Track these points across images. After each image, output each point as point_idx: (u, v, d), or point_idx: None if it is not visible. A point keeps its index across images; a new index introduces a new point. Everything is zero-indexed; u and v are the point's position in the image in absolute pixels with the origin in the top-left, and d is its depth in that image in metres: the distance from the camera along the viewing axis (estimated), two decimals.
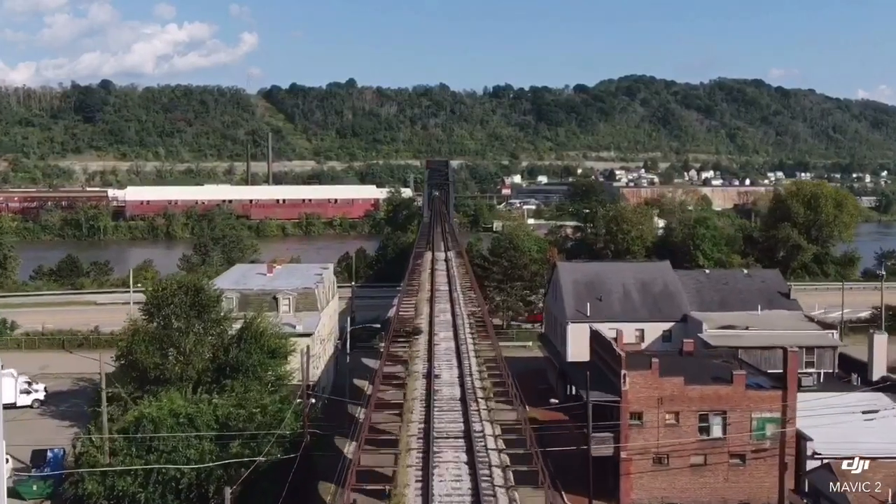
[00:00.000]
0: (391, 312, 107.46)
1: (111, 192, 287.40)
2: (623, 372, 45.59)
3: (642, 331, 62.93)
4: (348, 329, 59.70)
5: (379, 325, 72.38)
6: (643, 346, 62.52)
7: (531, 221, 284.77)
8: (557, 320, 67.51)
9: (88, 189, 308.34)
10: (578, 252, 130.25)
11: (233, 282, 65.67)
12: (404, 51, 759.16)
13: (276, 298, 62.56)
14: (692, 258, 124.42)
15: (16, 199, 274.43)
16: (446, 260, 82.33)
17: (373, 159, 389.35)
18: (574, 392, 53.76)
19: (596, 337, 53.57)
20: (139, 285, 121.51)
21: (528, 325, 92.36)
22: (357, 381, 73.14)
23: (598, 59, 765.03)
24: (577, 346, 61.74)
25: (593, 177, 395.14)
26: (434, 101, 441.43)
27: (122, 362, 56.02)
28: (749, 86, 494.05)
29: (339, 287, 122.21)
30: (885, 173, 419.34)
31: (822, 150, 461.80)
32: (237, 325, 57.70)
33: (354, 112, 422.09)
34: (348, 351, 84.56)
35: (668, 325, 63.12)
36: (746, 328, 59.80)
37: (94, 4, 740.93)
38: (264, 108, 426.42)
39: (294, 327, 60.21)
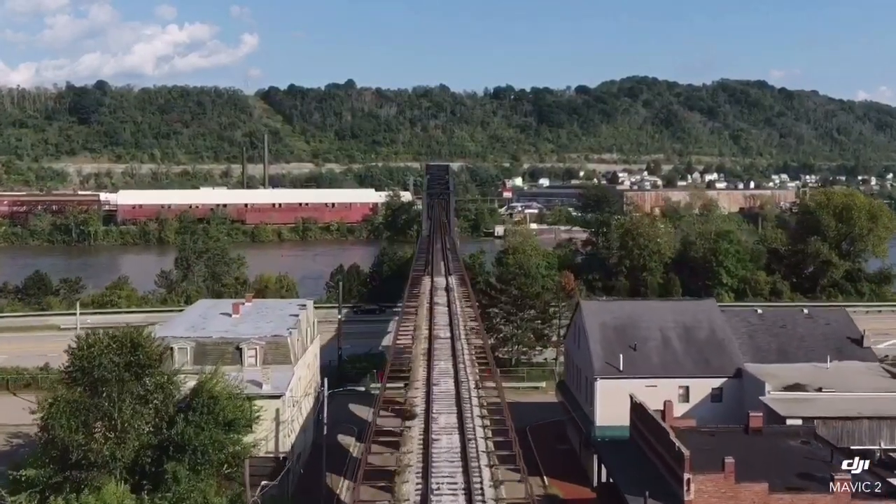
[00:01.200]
0: (385, 342, 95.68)
1: (103, 196, 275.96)
2: (686, 477, 33.20)
3: (686, 388, 50.60)
4: (325, 394, 47.52)
5: (363, 389, 59.83)
6: (689, 406, 50.24)
7: (533, 226, 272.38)
8: (581, 371, 55.17)
9: (80, 192, 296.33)
10: (590, 268, 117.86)
11: (189, 325, 53.28)
12: (404, 51, 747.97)
13: (239, 349, 50.18)
14: (714, 275, 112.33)
15: (4, 202, 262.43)
16: (447, 289, 69.91)
17: (372, 161, 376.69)
18: (610, 480, 41.47)
19: (639, 412, 41.22)
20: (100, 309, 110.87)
21: (542, 357, 79.84)
22: (341, 439, 60.90)
23: (599, 59, 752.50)
24: (609, 408, 49.57)
25: (596, 179, 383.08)
26: (434, 102, 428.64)
27: (41, 438, 43.70)
28: (752, 87, 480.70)
29: (331, 307, 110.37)
30: (890, 175, 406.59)
31: (827, 153, 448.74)
32: (191, 383, 45.66)
33: (353, 113, 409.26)
34: (337, 389, 72.42)
35: (718, 382, 50.77)
36: (819, 389, 47.43)
37: (94, 5, 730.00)
38: (262, 109, 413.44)
39: (260, 386, 47.87)
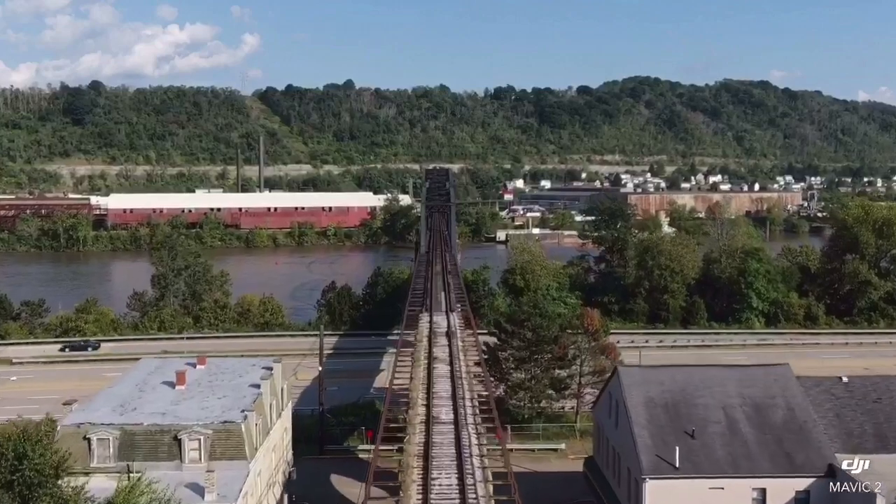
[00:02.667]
0: (378, 382, 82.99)
1: (94, 200, 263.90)
2: None
3: (763, 492, 37.98)
4: None
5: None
6: None
7: (536, 231, 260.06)
8: (621, 460, 42.50)
9: (70, 196, 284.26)
10: (605, 288, 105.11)
11: (118, 402, 40.57)
12: (404, 51, 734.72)
13: (178, 439, 37.53)
14: (743, 298, 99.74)
15: None
16: (449, 334, 57.08)
17: (371, 163, 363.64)
18: None
19: None
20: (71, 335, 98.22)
21: (559, 404, 66.70)
22: None
23: (601, 59, 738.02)
24: None
25: (598, 182, 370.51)
26: (434, 102, 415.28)
27: None
28: (756, 87, 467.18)
29: (318, 335, 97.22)
30: None
31: (832, 154, 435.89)
32: (112, 487, 33.32)
33: (352, 114, 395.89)
34: (317, 451, 60.16)
35: (803, 483, 38.09)
36: None
37: (95, 6, 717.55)
38: (259, 110, 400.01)
39: (202, 495, 35.27)
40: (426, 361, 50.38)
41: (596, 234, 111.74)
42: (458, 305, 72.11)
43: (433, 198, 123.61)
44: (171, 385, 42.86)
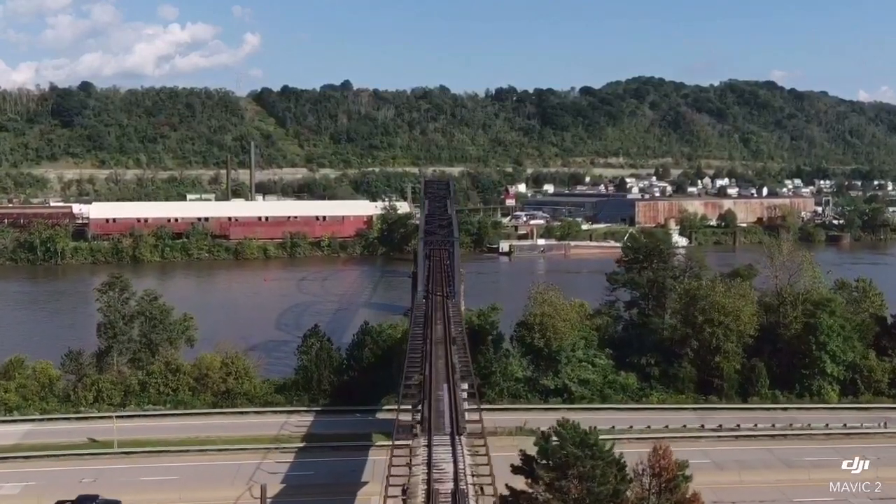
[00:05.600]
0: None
1: (77, 208, 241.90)
2: None
3: None
4: None
5: None
6: None
7: (541, 242, 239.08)
8: None
9: (52, 204, 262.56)
10: (641, 345, 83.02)
11: None
12: (402, 51, 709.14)
13: None
14: (816, 362, 77.93)
15: None
16: (456, 500, 35.47)
17: (368, 166, 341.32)
18: None
19: None
20: None
21: None
22: None
23: (603, 59, 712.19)
24: None
25: (603, 186, 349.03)
26: (433, 104, 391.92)
27: None
28: (761, 88, 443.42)
29: (291, 411, 76.21)
30: None
31: (840, 156, 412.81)
32: None
33: (349, 116, 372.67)
34: None
35: None
36: None
37: (97, 5, 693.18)
38: (254, 111, 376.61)
39: None
40: None
41: (628, 275, 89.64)
42: (468, 431, 50.53)
43: (433, 231, 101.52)
44: None
